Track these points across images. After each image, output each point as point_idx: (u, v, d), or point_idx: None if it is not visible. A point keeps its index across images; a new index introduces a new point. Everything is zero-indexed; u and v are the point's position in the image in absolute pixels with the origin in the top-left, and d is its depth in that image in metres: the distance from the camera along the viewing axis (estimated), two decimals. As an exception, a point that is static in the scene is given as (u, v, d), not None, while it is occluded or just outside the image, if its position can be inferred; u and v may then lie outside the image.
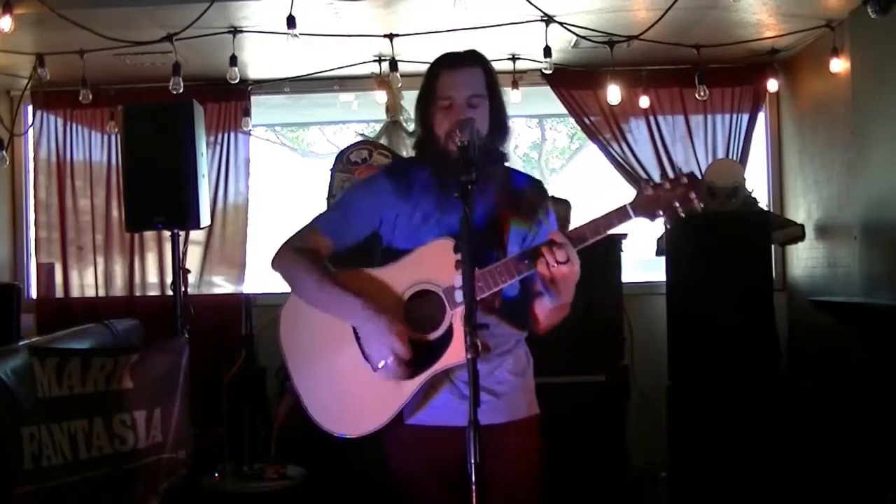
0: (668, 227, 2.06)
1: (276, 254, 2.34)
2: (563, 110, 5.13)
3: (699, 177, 1.99)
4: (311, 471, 4.13)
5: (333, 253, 2.32)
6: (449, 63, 2.28)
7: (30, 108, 5.29)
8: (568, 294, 2.13)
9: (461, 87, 2.23)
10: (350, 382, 2.22)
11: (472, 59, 2.28)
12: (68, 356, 3.23)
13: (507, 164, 2.34)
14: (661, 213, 1.99)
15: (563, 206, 4.37)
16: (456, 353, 2.08)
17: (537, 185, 2.38)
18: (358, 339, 2.20)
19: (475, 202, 2.06)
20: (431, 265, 2.15)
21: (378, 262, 2.28)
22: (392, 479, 2.35)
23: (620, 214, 2.03)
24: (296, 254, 2.30)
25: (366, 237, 2.33)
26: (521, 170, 2.49)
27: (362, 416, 2.20)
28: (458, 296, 2.05)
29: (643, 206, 2.01)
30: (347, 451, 4.14)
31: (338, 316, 2.20)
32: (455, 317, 2.10)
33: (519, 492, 2.27)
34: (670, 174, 2.04)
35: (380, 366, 2.14)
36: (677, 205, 1.98)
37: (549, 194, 2.43)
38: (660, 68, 4.98)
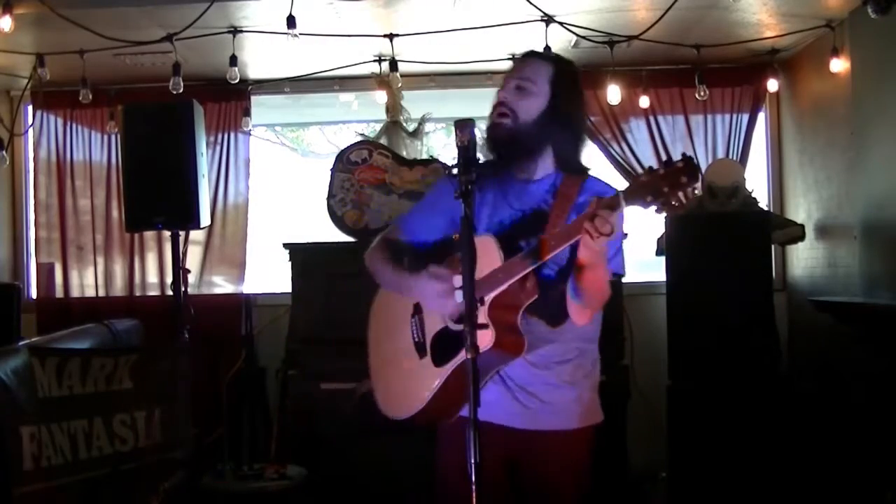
0: (659, 211, 1.91)
1: (368, 252, 2.48)
2: (563, 110, 5.13)
3: (695, 161, 1.89)
4: (311, 471, 4.13)
5: (414, 249, 2.43)
6: (525, 54, 2.36)
7: (30, 108, 5.29)
8: (597, 285, 2.11)
9: (517, 70, 2.29)
10: (400, 368, 2.32)
11: (545, 56, 2.35)
12: (68, 356, 3.23)
13: (588, 174, 2.33)
14: (650, 198, 1.87)
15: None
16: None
17: (605, 192, 2.22)
18: (412, 327, 2.30)
19: (523, 197, 2.18)
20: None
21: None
22: (440, 471, 2.39)
23: (614, 203, 1.92)
24: (379, 249, 2.45)
25: (443, 234, 2.39)
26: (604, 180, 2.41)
27: (402, 400, 2.29)
28: (486, 290, 2.09)
29: (634, 194, 1.90)
30: (347, 451, 4.15)
31: (403, 293, 2.33)
32: (481, 309, 2.11)
33: (559, 499, 2.30)
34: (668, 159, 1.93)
35: (436, 309, 2.21)
36: (667, 189, 1.86)
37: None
38: (660, 68, 4.98)
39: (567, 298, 2.19)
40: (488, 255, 2.13)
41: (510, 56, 4.75)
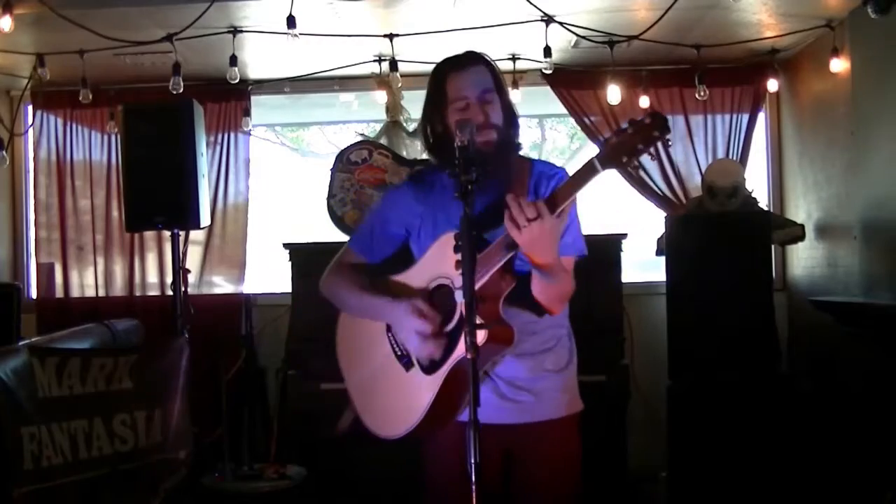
0: (635, 169, 1.94)
1: (322, 280, 2.46)
2: (563, 110, 5.13)
3: (663, 115, 1.91)
4: (311, 471, 4.13)
5: (371, 267, 2.41)
6: (455, 65, 2.32)
7: (30, 108, 5.29)
8: (546, 258, 2.06)
9: (472, 85, 2.27)
10: (386, 385, 2.27)
11: (476, 59, 2.33)
12: (68, 356, 3.23)
13: (527, 155, 2.39)
14: (625, 158, 1.90)
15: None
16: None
17: (553, 173, 2.33)
18: (390, 341, 2.27)
19: (483, 192, 2.10)
20: (443, 259, 2.17)
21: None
22: (431, 474, 2.37)
23: (589, 170, 1.95)
24: (335, 274, 2.44)
25: (399, 246, 2.41)
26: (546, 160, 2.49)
27: (397, 416, 2.23)
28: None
29: (609, 157, 1.92)
30: (347, 451, 4.15)
31: (374, 318, 2.30)
32: (463, 307, 2.10)
33: (558, 490, 2.30)
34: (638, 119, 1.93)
35: (411, 348, 2.17)
36: (641, 147, 1.90)
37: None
38: (660, 68, 4.98)
39: (532, 284, 2.18)
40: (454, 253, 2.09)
41: (510, 56, 4.77)
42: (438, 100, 2.31)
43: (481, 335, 2.02)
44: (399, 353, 2.25)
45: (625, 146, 1.90)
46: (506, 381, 2.25)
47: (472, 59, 2.32)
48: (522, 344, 2.19)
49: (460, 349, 2.10)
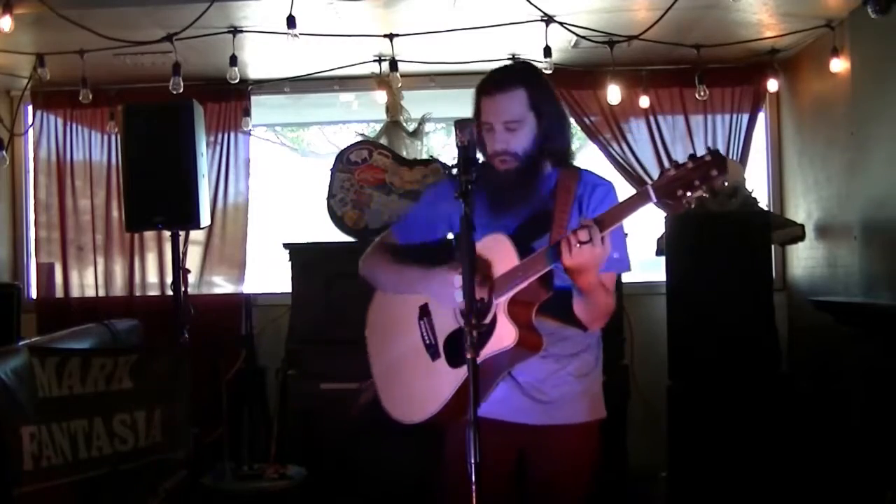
0: (688, 205, 1.94)
1: (362, 259, 2.50)
2: (563, 110, 5.13)
3: (723, 155, 1.92)
4: (311, 471, 4.13)
5: (413, 253, 2.44)
6: (487, 89, 2.30)
7: (30, 108, 5.28)
8: (590, 280, 2.07)
9: (498, 113, 2.27)
10: (411, 371, 2.31)
11: (511, 82, 2.28)
12: (68, 356, 3.23)
13: (579, 166, 2.40)
14: (681, 192, 1.92)
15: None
16: (498, 341, 2.12)
17: (599, 183, 2.35)
18: (421, 330, 2.30)
19: (526, 203, 2.20)
20: (486, 258, 2.19)
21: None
22: (447, 467, 2.39)
23: (641, 197, 1.98)
24: (375, 253, 2.48)
25: (440, 237, 2.45)
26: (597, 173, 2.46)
27: (418, 404, 2.27)
28: (506, 288, 2.10)
29: (664, 187, 1.94)
30: (347, 451, 4.15)
31: (410, 289, 2.32)
32: (499, 307, 2.13)
33: (567, 493, 2.34)
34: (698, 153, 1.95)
35: (458, 299, 2.11)
36: (698, 183, 1.91)
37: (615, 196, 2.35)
38: (660, 68, 4.98)
39: (574, 301, 2.20)
40: (504, 253, 2.15)
41: (510, 56, 4.77)
42: (476, 118, 2.32)
43: (513, 335, 2.05)
44: (427, 342, 2.28)
45: (682, 180, 1.92)
46: (528, 381, 2.27)
47: (504, 83, 2.27)
48: (550, 347, 2.22)
49: (490, 346, 2.13)
